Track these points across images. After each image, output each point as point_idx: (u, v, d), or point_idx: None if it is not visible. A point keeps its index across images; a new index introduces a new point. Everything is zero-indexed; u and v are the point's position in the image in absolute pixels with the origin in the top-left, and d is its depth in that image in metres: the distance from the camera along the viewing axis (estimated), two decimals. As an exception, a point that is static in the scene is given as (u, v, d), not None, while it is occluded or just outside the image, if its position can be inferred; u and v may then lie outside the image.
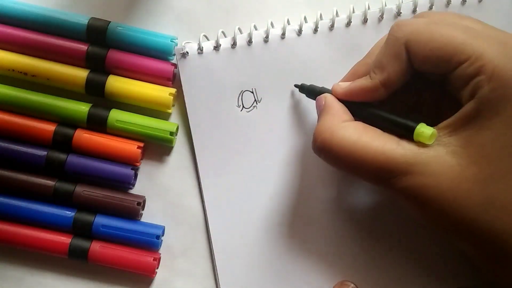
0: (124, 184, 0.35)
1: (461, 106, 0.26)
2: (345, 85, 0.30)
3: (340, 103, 0.30)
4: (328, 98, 0.31)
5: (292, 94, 0.35)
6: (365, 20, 0.35)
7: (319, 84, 0.33)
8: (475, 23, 0.28)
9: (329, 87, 0.36)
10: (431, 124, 0.27)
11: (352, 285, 0.33)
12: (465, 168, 0.25)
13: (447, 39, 0.26)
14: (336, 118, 0.29)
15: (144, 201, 0.36)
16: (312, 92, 0.33)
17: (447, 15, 0.29)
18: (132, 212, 0.34)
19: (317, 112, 0.31)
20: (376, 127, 0.29)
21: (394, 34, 0.28)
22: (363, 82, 0.29)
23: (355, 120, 0.30)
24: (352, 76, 0.31)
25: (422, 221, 0.28)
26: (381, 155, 0.27)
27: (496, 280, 0.27)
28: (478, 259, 0.27)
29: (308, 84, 0.34)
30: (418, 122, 0.27)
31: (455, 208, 0.25)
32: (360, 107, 0.30)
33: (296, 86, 0.35)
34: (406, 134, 0.27)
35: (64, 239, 0.34)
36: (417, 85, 0.29)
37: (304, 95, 0.34)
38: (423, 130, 0.26)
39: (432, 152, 0.26)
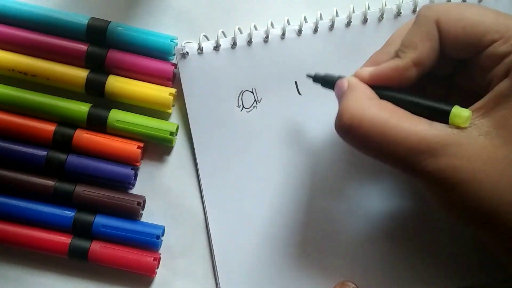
0: (124, 184, 0.35)
1: (480, 92, 0.26)
2: (370, 69, 0.29)
3: (365, 84, 0.28)
4: (351, 79, 0.29)
5: (292, 93, 0.35)
6: (365, 20, 0.35)
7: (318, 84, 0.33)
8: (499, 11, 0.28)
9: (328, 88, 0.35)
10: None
11: (353, 285, 0.33)
12: (498, 149, 0.25)
13: (479, 18, 0.26)
14: (363, 95, 0.28)
15: (144, 201, 0.36)
16: (329, 80, 0.31)
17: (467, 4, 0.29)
18: (132, 212, 0.34)
19: (337, 96, 0.29)
20: None
21: (425, 13, 0.28)
22: (394, 62, 0.28)
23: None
24: (372, 64, 0.30)
25: (447, 208, 0.27)
26: (414, 135, 0.26)
27: None
28: (499, 249, 0.26)
29: (322, 73, 0.32)
30: (452, 105, 0.26)
31: (489, 191, 0.25)
32: (389, 92, 0.28)
33: (309, 76, 0.32)
34: (441, 117, 0.26)
35: (64, 239, 0.34)
36: (425, 79, 0.29)
37: (309, 89, 0.34)
38: (460, 112, 0.26)
39: (465, 134, 0.25)
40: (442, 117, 0.26)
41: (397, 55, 0.28)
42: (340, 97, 0.29)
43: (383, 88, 0.28)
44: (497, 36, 0.26)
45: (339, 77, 0.30)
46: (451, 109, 0.26)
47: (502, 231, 0.25)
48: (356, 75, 0.29)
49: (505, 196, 0.25)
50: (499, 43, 0.26)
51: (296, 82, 0.35)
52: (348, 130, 0.27)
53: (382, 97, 0.28)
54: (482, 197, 0.25)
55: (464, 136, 0.25)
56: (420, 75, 0.28)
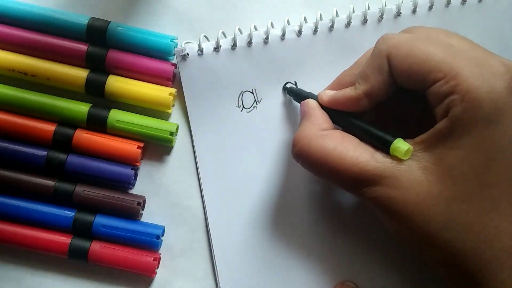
0: (124, 184, 0.35)
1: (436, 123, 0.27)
2: (331, 93, 0.31)
3: (322, 111, 0.31)
4: (310, 104, 0.31)
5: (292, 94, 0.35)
6: (365, 21, 0.35)
7: (319, 83, 0.34)
8: (461, 41, 0.28)
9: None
10: (412, 137, 0.27)
11: (353, 285, 0.33)
12: (433, 185, 0.26)
13: (426, 56, 0.26)
14: (315, 126, 0.30)
15: (144, 201, 0.36)
16: (298, 96, 0.34)
17: (434, 31, 0.29)
18: (132, 212, 0.34)
19: (300, 116, 0.32)
20: (356, 137, 0.29)
21: (378, 46, 0.29)
22: (348, 92, 0.30)
23: (335, 128, 0.30)
24: (337, 85, 0.32)
25: (391, 231, 0.29)
26: (354, 166, 0.27)
27: None
28: (443, 274, 0.28)
29: (296, 86, 0.35)
30: (396, 137, 0.27)
31: (419, 222, 0.26)
32: (342, 116, 0.31)
33: (284, 88, 0.35)
34: (383, 147, 0.28)
35: (64, 239, 0.34)
36: (401, 97, 0.30)
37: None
38: (399, 145, 0.27)
39: (404, 166, 0.27)
40: (385, 147, 0.28)
41: (353, 83, 0.30)
42: (300, 119, 0.32)
43: (340, 112, 0.30)
44: (440, 76, 0.26)
45: (306, 96, 0.33)
46: (392, 141, 0.27)
47: (435, 260, 0.27)
48: (319, 97, 0.32)
49: (435, 233, 0.26)
50: (440, 83, 0.26)
51: (296, 82, 0.35)
52: (298, 158, 0.30)
53: (336, 120, 0.31)
54: (416, 229, 0.26)
55: (402, 169, 0.27)
56: (374, 104, 0.29)
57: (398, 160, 0.27)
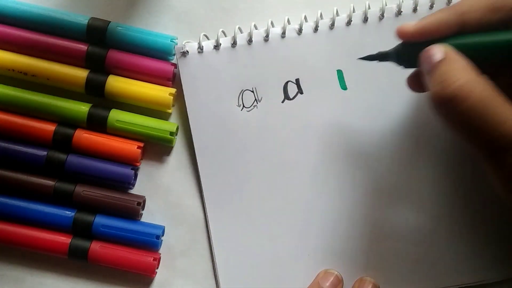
0: (124, 184, 0.35)
1: None
2: (413, 22, 0.28)
3: (464, 57, 0.27)
4: (447, 48, 0.27)
5: (293, 93, 0.35)
6: (365, 19, 0.35)
7: (320, 82, 0.33)
8: None
9: (328, 87, 0.35)
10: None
11: (372, 281, 0.33)
12: None
13: None
14: (469, 69, 0.26)
15: (144, 201, 0.36)
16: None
17: None
18: (132, 212, 0.34)
19: (425, 64, 0.27)
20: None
21: None
22: (438, 13, 0.27)
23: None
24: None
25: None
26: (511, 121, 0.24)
27: None
28: None
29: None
30: None
31: None
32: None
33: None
34: None
35: (64, 239, 0.34)
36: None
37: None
38: None
39: None
40: None
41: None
42: (433, 65, 0.27)
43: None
44: None
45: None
46: None
47: None
48: (400, 31, 0.28)
49: None
50: None
51: (297, 80, 0.35)
52: (450, 101, 0.25)
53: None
54: None
55: None
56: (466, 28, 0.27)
57: None
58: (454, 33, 0.27)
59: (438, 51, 0.27)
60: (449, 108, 0.25)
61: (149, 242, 0.34)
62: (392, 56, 0.29)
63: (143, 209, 0.35)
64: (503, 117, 0.24)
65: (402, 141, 0.34)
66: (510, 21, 0.26)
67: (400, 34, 0.28)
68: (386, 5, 0.35)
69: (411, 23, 0.28)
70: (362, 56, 0.31)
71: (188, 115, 0.36)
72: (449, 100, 0.25)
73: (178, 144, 0.36)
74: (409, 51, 0.28)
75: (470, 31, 0.27)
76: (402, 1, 0.35)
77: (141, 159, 0.36)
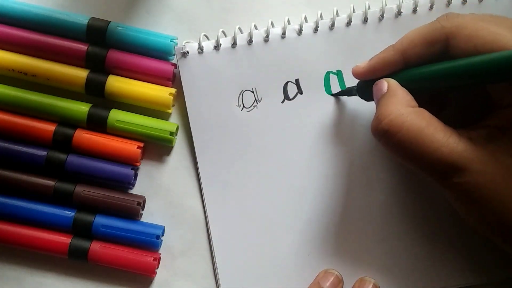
0: (124, 184, 0.35)
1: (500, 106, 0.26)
2: (364, 63, 0.30)
3: (404, 89, 0.29)
4: (391, 82, 0.29)
5: (293, 93, 0.35)
6: (365, 20, 0.35)
7: (320, 83, 0.33)
8: None
9: (328, 86, 0.36)
10: (458, 125, 0.27)
11: (373, 281, 0.33)
12: None
13: (493, 36, 0.26)
14: (403, 102, 0.28)
15: (144, 201, 0.36)
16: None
17: (496, 16, 0.28)
18: (132, 212, 0.34)
19: (375, 97, 0.30)
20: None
21: (441, 22, 0.28)
22: (384, 52, 0.29)
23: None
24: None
25: (471, 220, 0.28)
26: (445, 147, 0.26)
27: None
28: None
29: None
30: None
31: (507, 208, 0.25)
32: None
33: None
34: None
35: (64, 239, 0.34)
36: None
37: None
38: None
39: (488, 151, 0.26)
40: None
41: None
42: (379, 99, 0.29)
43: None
44: None
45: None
46: None
47: None
48: (354, 72, 0.31)
49: None
50: None
51: (296, 81, 0.35)
52: (385, 134, 0.28)
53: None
54: (500, 213, 0.25)
55: (488, 153, 0.26)
56: (405, 64, 0.29)
57: (485, 145, 0.26)
58: (400, 68, 0.29)
59: (383, 85, 0.29)
60: (386, 139, 0.28)
61: (149, 242, 0.34)
62: (356, 91, 0.33)
63: (143, 209, 0.36)
64: (436, 145, 0.26)
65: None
66: (447, 52, 0.28)
67: (354, 73, 0.31)
68: (386, 5, 0.35)
69: (363, 63, 0.31)
70: (334, 93, 0.35)
71: (188, 115, 0.36)
72: (383, 133, 0.28)
73: (178, 144, 0.36)
74: (367, 85, 0.31)
75: (415, 64, 0.29)
76: (402, 2, 0.35)
77: (141, 159, 0.36)
